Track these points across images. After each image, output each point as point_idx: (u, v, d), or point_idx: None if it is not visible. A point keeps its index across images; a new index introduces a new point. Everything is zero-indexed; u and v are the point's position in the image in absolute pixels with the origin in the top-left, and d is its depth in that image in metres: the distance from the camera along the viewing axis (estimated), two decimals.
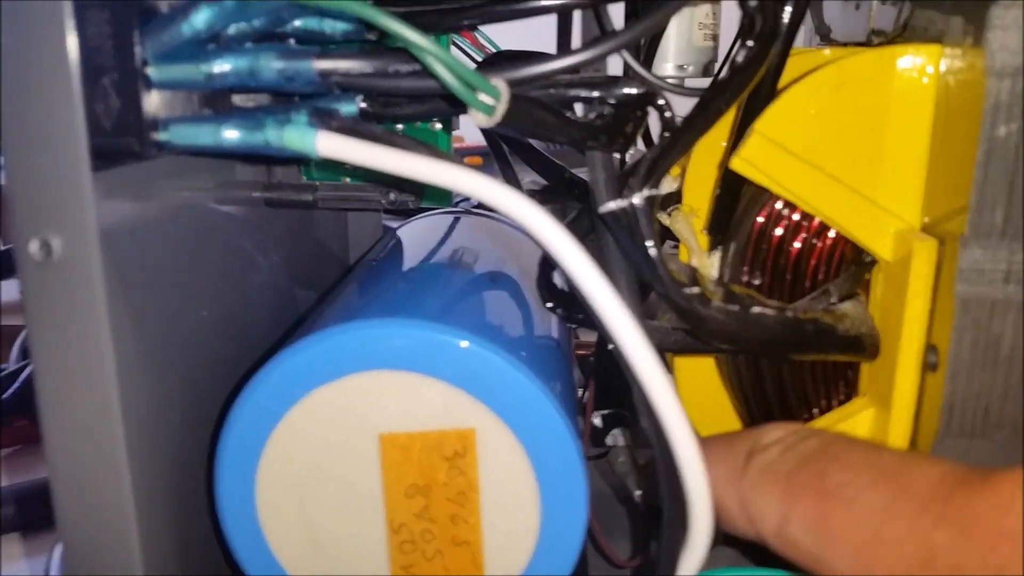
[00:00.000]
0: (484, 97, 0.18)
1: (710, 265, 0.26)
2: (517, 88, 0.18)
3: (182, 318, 0.22)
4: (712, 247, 0.26)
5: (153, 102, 0.18)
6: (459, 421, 0.21)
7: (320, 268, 0.35)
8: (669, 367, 0.27)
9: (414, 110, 0.21)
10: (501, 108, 0.18)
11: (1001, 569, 0.15)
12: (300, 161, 0.29)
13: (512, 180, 0.35)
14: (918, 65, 0.22)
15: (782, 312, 0.21)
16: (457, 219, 0.36)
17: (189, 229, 0.23)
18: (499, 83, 0.18)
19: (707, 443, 0.19)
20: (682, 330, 0.21)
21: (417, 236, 0.33)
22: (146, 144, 0.18)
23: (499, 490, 0.22)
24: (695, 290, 0.20)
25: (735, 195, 0.25)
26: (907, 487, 0.16)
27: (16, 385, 0.44)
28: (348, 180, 0.30)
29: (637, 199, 0.20)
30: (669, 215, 0.27)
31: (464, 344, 0.21)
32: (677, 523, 0.18)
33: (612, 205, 0.20)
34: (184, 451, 0.23)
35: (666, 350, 0.22)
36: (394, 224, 0.37)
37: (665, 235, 0.27)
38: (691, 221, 0.27)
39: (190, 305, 0.23)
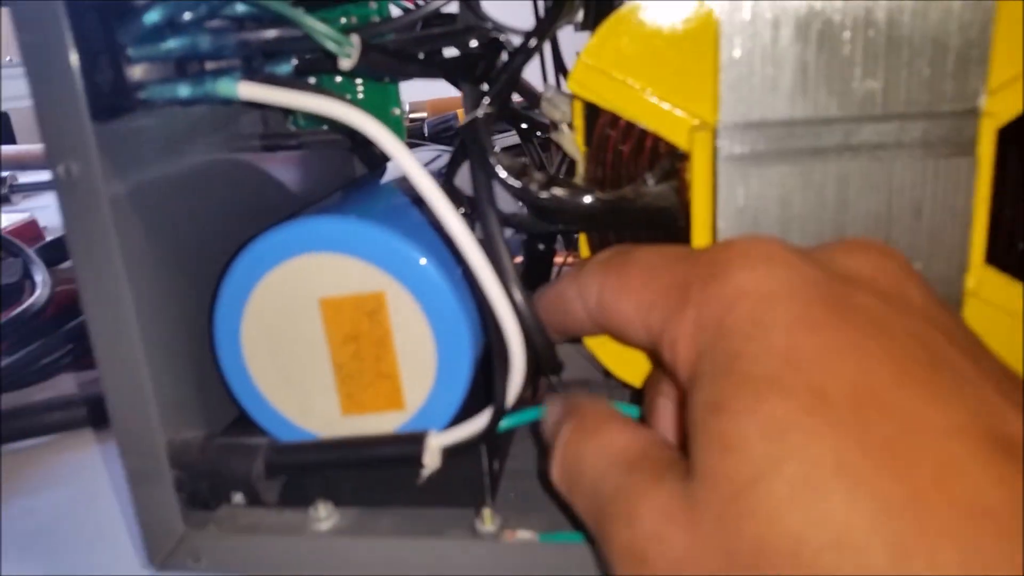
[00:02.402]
0: (346, 49, 0.26)
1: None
2: (375, 39, 0.26)
3: (187, 225, 0.32)
4: None
5: (136, 71, 0.27)
6: (373, 287, 0.30)
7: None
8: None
9: (322, 66, 0.29)
10: (355, 55, 0.26)
11: (711, 276, 0.21)
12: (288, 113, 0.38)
13: None
14: None
15: (587, 192, 0.28)
16: (436, 156, 0.44)
17: (191, 166, 0.32)
18: (354, 38, 0.26)
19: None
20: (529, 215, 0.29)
21: (390, 168, 0.41)
22: (132, 101, 0.27)
23: (406, 335, 0.30)
24: (520, 181, 0.27)
25: (593, 111, 0.32)
26: (684, 255, 0.23)
27: None
28: (325, 128, 0.38)
29: (479, 113, 0.27)
30: (559, 133, 0.35)
31: (369, 230, 0.29)
32: (501, 356, 0.26)
33: (462, 122, 0.28)
34: (191, 318, 0.32)
35: (517, 227, 0.30)
36: None
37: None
38: (573, 136, 0.34)
39: (194, 216, 0.32)
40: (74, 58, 0.25)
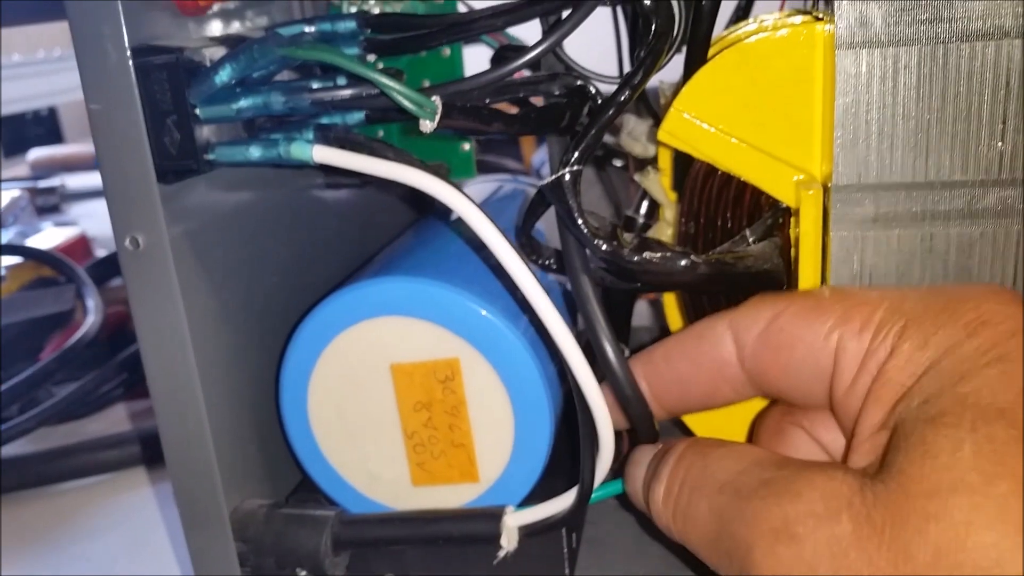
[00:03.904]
0: (427, 109, 0.24)
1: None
2: (454, 99, 0.24)
3: (250, 285, 0.30)
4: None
5: (204, 133, 0.25)
6: (447, 352, 0.28)
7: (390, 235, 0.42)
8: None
9: (395, 117, 0.27)
10: (437, 117, 0.24)
11: None
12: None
13: None
14: (805, 39, 0.26)
15: (683, 256, 0.26)
16: (499, 187, 0.42)
17: (253, 219, 0.30)
18: (435, 98, 0.24)
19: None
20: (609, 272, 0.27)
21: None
22: (200, 163, 0.25)
23: (482, 404, 0.28)
24: (609, 244, 0.25)
25: (686, 157, 0.29)
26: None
27: None
28: None
29: (564, 174, 0.25)
30: (644, 176, 0.33)
31: (444, 293, 0.27)
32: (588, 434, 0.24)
33: (547, 180, 0.26)
34: (255, 383, 0.30)
35: (602, 285, 0.28)
36: None
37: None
38: (659, 179, 0.32)
39: (258, 273, 0.31)
40: (142, 124, 0.23)
